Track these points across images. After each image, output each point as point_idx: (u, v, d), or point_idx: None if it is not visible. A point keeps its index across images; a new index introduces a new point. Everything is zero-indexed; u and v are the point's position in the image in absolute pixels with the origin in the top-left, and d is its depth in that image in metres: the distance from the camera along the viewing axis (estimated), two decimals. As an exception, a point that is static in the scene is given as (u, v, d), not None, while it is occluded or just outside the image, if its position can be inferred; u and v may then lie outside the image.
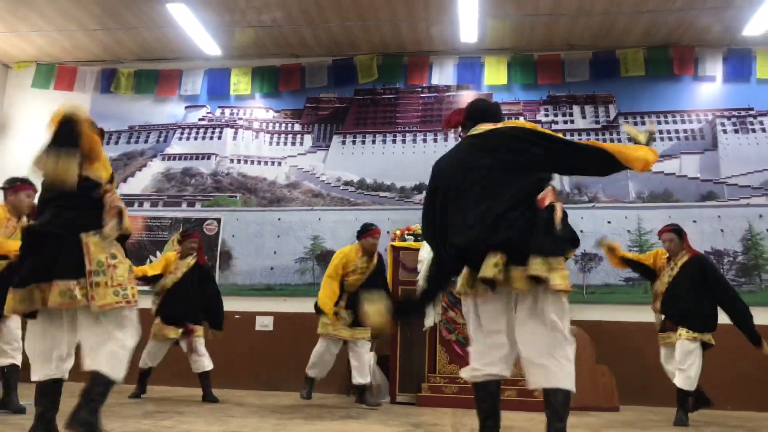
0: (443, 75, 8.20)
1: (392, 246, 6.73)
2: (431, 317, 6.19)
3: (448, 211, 2.91)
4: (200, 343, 5.94)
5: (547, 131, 2.94)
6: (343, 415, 5.13)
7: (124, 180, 8.32)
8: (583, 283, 7.33)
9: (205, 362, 5.94)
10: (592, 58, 7.90)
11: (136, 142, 8.52)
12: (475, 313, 2.92)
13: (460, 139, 3.18)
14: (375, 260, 5.99)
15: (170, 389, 6.73)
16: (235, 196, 8.14)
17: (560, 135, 2.97)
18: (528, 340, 2.74)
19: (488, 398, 2.88)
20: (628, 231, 7.45)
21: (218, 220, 8.05)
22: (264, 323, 7.53)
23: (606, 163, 2.89)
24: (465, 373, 2.95)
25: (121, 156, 8.43)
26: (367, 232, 5.98)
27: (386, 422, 4.70)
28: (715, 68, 7.75)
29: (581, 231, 7.47)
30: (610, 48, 7.82)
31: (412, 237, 6.78)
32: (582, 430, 4.66)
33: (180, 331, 5.87)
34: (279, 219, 8.03)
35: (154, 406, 5.31)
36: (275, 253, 7.84)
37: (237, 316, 7.31)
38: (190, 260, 6.04)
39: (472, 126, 3.05)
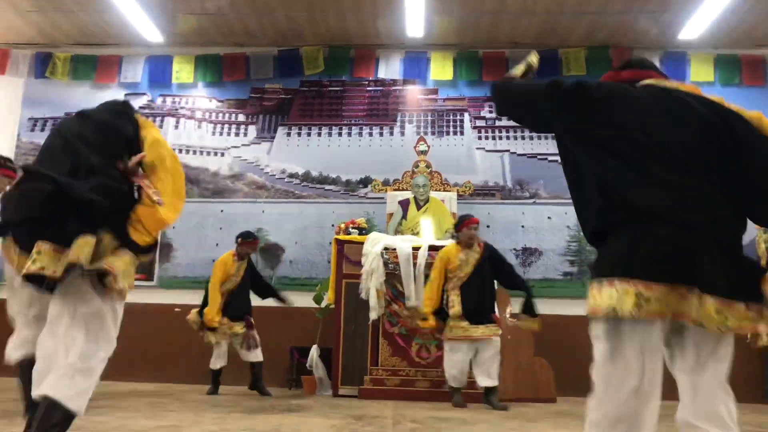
0: (389, 69, 8.21)
1: (336, 239, 6.71)
2: (375, 310, 6.21)
3: None
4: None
5: None
6: (284, 408, 5.10)
7: (60, 168, 8.04)
8: (524, 277, 7.46)
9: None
10: (535, 56, 8.05)
11: (73, 129, 8.23)
12: None
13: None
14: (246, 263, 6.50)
15: (107, 383, 6.53)
16: (177, 187, 7.94)
17: None
18: None
19: None
20: (568, 226, 7.63)
21: (158, 211, 7.85)
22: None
23: None
24: None
25: (57, 143, 8.14)
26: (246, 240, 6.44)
27: (328, 415, 4.70)
28: (652, 70, 8.01)
29: (522, 226, 7.64)
30: (553, 47, 7.98)
31: (356, 230, 6.78)
32: (520, 420, 4.76)
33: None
34: (222, 211, 7.91)
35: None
36: (217, 245, 7.71)
37: (177, 309, 7.15)
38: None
39: None
